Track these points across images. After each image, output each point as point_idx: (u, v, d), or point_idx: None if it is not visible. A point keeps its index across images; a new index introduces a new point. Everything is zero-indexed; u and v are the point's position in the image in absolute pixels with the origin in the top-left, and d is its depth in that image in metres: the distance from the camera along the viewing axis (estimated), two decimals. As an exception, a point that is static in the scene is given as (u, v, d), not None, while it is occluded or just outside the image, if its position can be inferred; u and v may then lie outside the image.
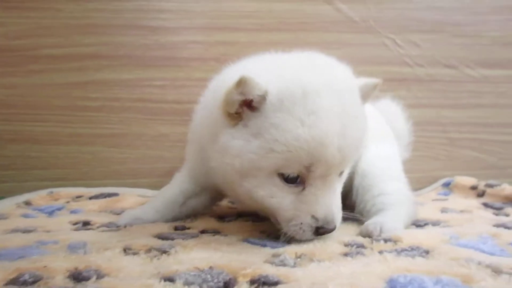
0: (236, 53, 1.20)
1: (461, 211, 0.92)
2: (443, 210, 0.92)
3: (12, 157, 1.19)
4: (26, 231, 0.68)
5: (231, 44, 1.22)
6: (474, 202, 1.02)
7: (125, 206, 0.98)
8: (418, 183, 1.26)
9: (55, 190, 1.09)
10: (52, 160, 1.20)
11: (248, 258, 0.51)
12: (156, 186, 1.18)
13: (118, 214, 0.90)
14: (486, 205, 1.00)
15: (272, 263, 0.50)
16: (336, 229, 0.61)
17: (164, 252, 0.54)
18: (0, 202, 0.95)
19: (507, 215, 0.89)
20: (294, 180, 0.59)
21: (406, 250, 0.55)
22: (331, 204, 0.61)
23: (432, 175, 1.26)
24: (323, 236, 0.61)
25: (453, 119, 1.27)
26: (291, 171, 0.58)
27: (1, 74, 1.18)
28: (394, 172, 0.83)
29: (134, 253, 0.53)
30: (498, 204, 0.99)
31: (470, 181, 1.15)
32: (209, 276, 0.43)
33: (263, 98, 0.57)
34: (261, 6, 1.23)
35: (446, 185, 1.20)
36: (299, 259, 0.52)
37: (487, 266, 0.47)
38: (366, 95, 0.67)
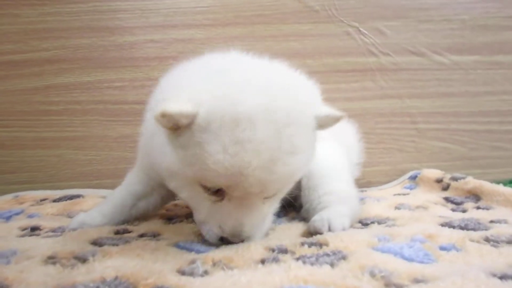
0: (194, 50, 1.22)
1: (417, 207, 0.88)
2: (397, 207, 0.89)
3: (-20, 162, 1.23)
4: None
5: (188, 41, 1.21)
6: (435, 197, 0.98)
7: (84, 209, 0.99)
8: (385, 176, 1.23)
9: (21, 194, 1.12)
10: (18, 164, 1.23)
11: (160, 267, 0.51)
12: (120, 187, 1.20)
13: (73, 217, 0.89)
14: (447, 199, 0.96)
15: (181, 272, 0.49)
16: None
17: (84, 260, 0.54)
18: (-35, 207, 0.99)
19: (464, 211, 0.85)
20: (214, 191, 0.59)
21: (327, 255, 0.53)
22: (242, 221, 0.59)
23: (399, 168, 1.22)
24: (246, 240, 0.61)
25: (421, 109, 1.22)
26: (212, 185, 0.57)
27: (-36, 82, 1.20)
28: (339, 172, 0.82)
29: (53, 263, 0.53)
30: (460, 198, 0.95)
31: (435, 173, 1.11)
32: (107, 287, 0.43)
33: (192, 120, 0.54)
34: (216, 0, 1.20)
35: (413, 178, 1.16)
36: (210, 267, 0.51)
37: (382, 277, 0.45)
38: (325, 125, 0.62)
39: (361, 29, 1.21)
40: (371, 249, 0.56)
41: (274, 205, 0.65)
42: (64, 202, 1.06)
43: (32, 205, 1.05)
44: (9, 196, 1.10)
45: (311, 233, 0.67)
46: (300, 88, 0.61)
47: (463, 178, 1.02)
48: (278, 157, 0.54)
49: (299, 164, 0.57)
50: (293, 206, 0.82)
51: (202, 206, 0.61)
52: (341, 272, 0.47)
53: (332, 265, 0.49)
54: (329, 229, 0.66)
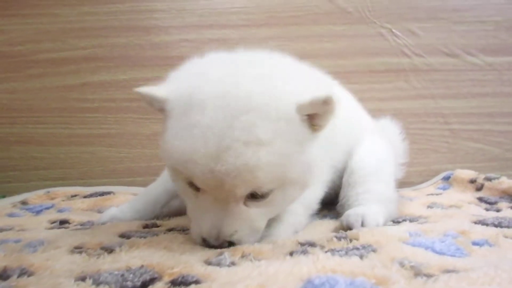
0: (228, 50, 1.23)
1: (450, 206, 0.88)
2: (430, 206, 0.88)
3: (16, 158, 1.24)
4: (1, 230, 0.70)
5: (222, 41, 1.22)
6: (469, 197, 0.98)
7: (114, 205, 0.99)
8: (419, 177, 1.22)
9: (52, 189, 1.13)
10: (53, 160, 1.24)
11: (187, 257, 0.49)
12: (152, 184, 1.21)
13: (103, 212, 0.92)
14: (481, 199, 0.95)
15: (208, 262, 0.48)
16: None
17: (111, 251, 0.53)
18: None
19: (498, 210, 0.84)
20: (193, 185, 0.55)
21: (356, 248, 0.52)
22: (219, 223, 0.53)
23: (433, 168, 1.21)
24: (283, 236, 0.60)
25: (454, 110, 1.22)
26: (182, 175, 0.55)
27: (3, 79, 1.23)
28: (382, 171, 0.79)
29: (80, 252, 0.53)
30: (493, 198, 0.94)
31: (469, 174, 1.10)
32: (131, 275, 0.42)
33: (162, 105, 0.56)
34: (250, 1, 1.22)
35: (446, 178, 1.15)
36: (239, 258, 0.50)
37: (412, 267, 0.44)
38: (319, 114, 0.54)
39: (394, 30, 1.22)
40: (401, 243, 0.55)
41: (267, 211, 0.57)
42: (95, 198, 1.06)
43: (63, 200, 1.06)
44: (41, 192, 1.10)
45: (343, 228, 0.66)
46: (279, 79, 0.55)
47: (497, 178, 1.01)
48: (228, 145, 0.49)
49: (261, 158, 0.49)
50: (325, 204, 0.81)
51: (188, 200, 0.58)
52: (370, 262, 0.46)
53: (361, 257, 0.49)
54: (362, 225, 0.66)
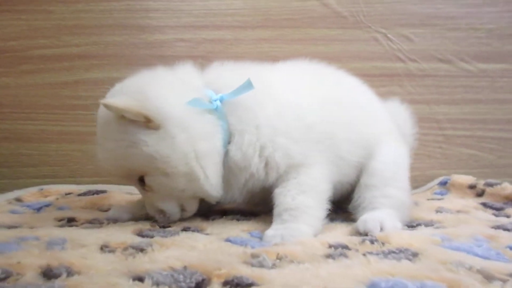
0: (223, 50, 1.23)
1: (458, 211, 0.87)
2: (438, 210, 0.88)
3: (5, 155, 1.22)
4: (11, 227, 0.69)
5: (217, 41, 1.22)
6: (472, 202, 0.97)
7: (112, 203, 0.98)
8: (413, 182, 1.17)
9: (45, 187, 1.11)
10: (43, 158, 1.22)
11: (225, 258, 0.50)
12: (143, 184, 1.19)
13: (104, 210, 0.90)
14: (485, 205, 0.94)
15: (249, 263, 0.48)
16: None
17: (141, 250, 0.53)
18: (-9, 199, 0.98)
19: (508, 216, 0.84)
20: None
21: (393, 252, 0.52)
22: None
23: (427, 173, 1.21)
24: (305, 236, 0.62)
25: (448, 116, 1.22)
26: None
27: (-5, 74, 1.22)
28: (400, 176, 0.80)
29: (110, 251, 0.52)
30: (498, 204, 0.94)
31: (468, 179, 1.09)
32: (181, 276, 0.42)
33: None
34: (246, 3, 1.22)
35: (443, 184, 1.15)
36: (278, 261, 0.50)
37: (478, 271, 0.44)
38: (123, 115, 0.67)
39: (388, 35, 1.23)
40: (439, 247, 0.54)
41: (157, 196, 0.71)
42: (91, 196, 1.05)
43: (58, 198, 1.04)
44: (34, 189, 1.08)
45: (360, 232, 0.66)
46: (121, 91, 0.73)
47: (499, 184, 1.01)
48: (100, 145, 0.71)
49: (103, 154, 0.71)
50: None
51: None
52: (424, 266, 0.45)
53: (409, 260, 0.49)
54: (381, 231, 0.66)
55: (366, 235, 0.64)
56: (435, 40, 1.22)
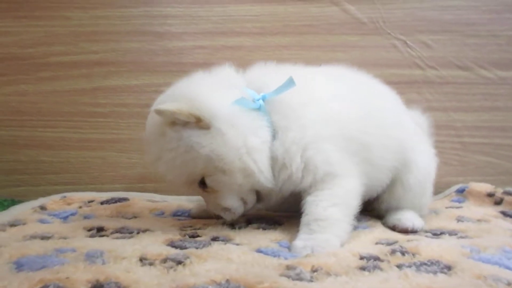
0: (242, 57, 1.23)
1: (478, 220, 0.88)
2: (459, 219, 0.89)
3: (25, 162, 1.23)
4: (43, 237, 0.70)
5: (236, 48, 1.22)
6: (491, 211, 0.98)
7: (135, 211, 0.99)
8: None
9: (68, 194, 1.11)
10: (63, 165, 1.23)
11: (263, 271, 0.51)
12: (163, 191, 1.20)
13: (129, 219, 0.92)
14: (505, 214, 0.95)
15: (288, 276, 0.49)
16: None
17: (180, 262, 0.54)
18: (17, 207, 0.99)
19: None
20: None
21: (425, 264, 0.53)
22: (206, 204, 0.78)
23: (444, 181, 1.22)
24: (334, 248, 0.64)
25: (466, 123, 1.23)
26: None
27: (14, 81, 1.21)
28: (429, 184, 0.89)
29: (150, 263, 0.53)
30: (517, 213, 0.95)
31: (486, 187, 1.10)
32: None
33: None
34: (265, 9, 1.21)
35: (460, 191, 1.16)
36: (315, 273, 0.50)
37: None
38: (173, 120, 0.70)
39: (407, 42, 1.22)
40: (471, 259, 0.55)
41: (218, 195, 0.74)
42: (114, 204, 1.06)
43: (81, 206, 1.05)
44: (57, 197, 1.09)
45: (393, 228, 0.80)
46: (168, 98, 0.75)
47: (518, 192, 1.02)
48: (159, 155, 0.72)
49: (162, 166, 0.73)
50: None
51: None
52: (464, 282, 0.46)
53: (445, 274, 0.49)
54: (412, 226, 0.79)
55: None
56: (454, 47, 1.22)
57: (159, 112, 0.68)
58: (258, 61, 1.22)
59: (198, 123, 0.69)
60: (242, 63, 1.24)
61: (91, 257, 0.55)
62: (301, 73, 0.78)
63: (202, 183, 0.73)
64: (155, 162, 0.73)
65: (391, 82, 1.22)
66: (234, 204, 0.75)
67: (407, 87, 1.22)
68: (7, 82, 1.22)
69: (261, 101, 0.74)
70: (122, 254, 0.56)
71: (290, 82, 0.72)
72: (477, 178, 1.19)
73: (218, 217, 0.80)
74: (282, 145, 0.72)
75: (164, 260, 0.54)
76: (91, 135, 1.23)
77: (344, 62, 1.22)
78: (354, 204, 0.73)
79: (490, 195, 1.06)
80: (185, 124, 0.69)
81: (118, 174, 1.24)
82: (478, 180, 1.17)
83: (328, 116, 0.74)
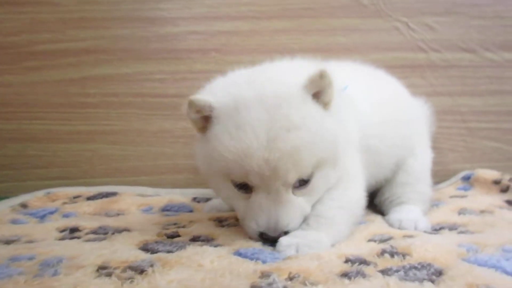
0: (238, 43, 1.17)
1: (481, 212, 0.85)
2: (461, 212, 0.85)
3: (11, 156, 1.17)
4: (8, 241, 0.65)
5: (232, 33, 1.17)
6: (496, 199, 0.94)
7: (121, 208, 0.94)
8: (435, 177, 1.15)
9: (52, 190, 1.05)
10: (51, 158, 1.17)
11: (232, 282, 0.46)
12: (158, 184, 1.15)
13: (111, 216, 0.87)
14: (510, 203, 0.92)
15: (258, 287, 0.45)
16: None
17: (141, 272, 0.49)
18: (-3, 205, 0.93)
19: None
20: (243, 187, 0.63)
21: (415, 268, 0.50)
22: (275, 214, 0.61)
23: (450, 168, 1.18)
24: (322, 249, 0.59)
25: (472, 108, 1.18)
26: (236, 178, 0.62)
27: (-2, 72, 1.15)
28: (428, 174, 0.90)
29: (108, 274, 0.48)
30: (524, 201, 0.91)
31: (492, 174, 1.06)
32: None
33: (211, 112, 0.63)
34: (263, -9, 1.16)
35: (466, 178, 1.12)
36: (290, 282, 0.46)
37: None
38: (320, 90, 0.62)
39: (410, 24, 1.18)
40: (464, 261, 0.52)
41: (310, 198, 0.64)
42: (100, 200, 1.00)
43: (66, 202, 0.99)
44: (40, 193, 1.03)
45: (393, 228, 0.75)
46: (286, 74, 0.66)
47: (525, 180, 0.98)
48: (275, 135, 0.58)
49: (300, 139, 0.59)
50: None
51: (238, 203, 0.65)
52: None
53: (432, 281, 0.46)
54: (415, 229, 0.73)
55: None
56: (459, 29, 1.17)
57: (322, 75, 0.61)
58: (254, 46, 1.19)
59: (327, 103, 0.64)
60: (238, 49, 1.20)
61: (45, 266, 0.51)
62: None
63: (302, 182, 0.62)
64: (292, 130, 0.59)
65: (393, 66, 1.18)
66: (298, 223, 0.64)
67: (410, 71, 1.18)
68: (-9, 72, 1.16)
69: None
70: (82, 262, 0.52)
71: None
72: (485, 164, 1.16)
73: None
74: None
75: (125, 269, 0.49)
76: (81, 126, 1.17)
77: (345, 47, 1.19)
78: (358, 213, 0.70)
79: (497, 182, 1.03)
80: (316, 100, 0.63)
81: (109, 167, 1.18)
82: (485, 166, 1.13)
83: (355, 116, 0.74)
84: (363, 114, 0.75)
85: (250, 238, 0.63)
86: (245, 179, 0.61)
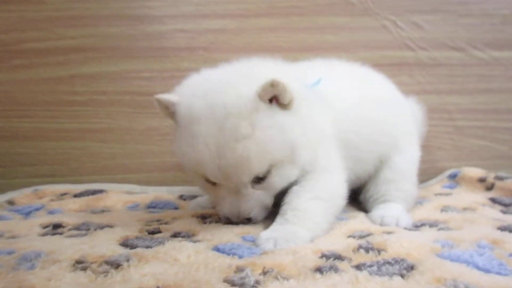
0: (225, 41, 1.18)
1: (464, 209, 0.85)
2: (444, 209, 0.85)
3: (0, 154, 1.17)
4: None
5: (219, 31, 1.17)
6: (480, 197, 0.95)
7: (107, 205, 0.95)
8: (423, 175, 1.16)
9: (41, 187, 1.06)
10: (40, 156, 1.18)
11: (205, 275, 0.47)
12: (146, 182, 1.15)
13: (96, 213, 0.87)
14: (494, 200, 0.92)
15: (229, 282, 0.45)
16: (256, 222, 0.69)
17: (117, 267, 0.49)
18: (-18, 203, 0.93)
19: None
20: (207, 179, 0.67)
21: (388, 263, 0.50)
22: (237, 205, 0.67)
23: (437, 166, 1.18)
24: (299, 245, 0.59)
25: (459, 106, 1.18)
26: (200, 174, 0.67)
27: (-15, 70, 1.15)
28: (414, 173, 0.89)
29: (83, 268, 0.49)
30: (507, 199, 0.91)
31: (478, 172, 1.07)
32: None
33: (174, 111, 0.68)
34: (250, -11, 1.16)
35: (453, 177, 1.12)
36: (262, 276, 0.47)
37: None
38: (276, 94, 0.64)
39: (398, 22, 1.18)
40: (437, 256, 0.52)
41: (270, 191, 0.68)
42: (87, 197, 1.01)
43: (53, 200, 1.00)
44: (28, 190, 1.04)
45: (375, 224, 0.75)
46: (238, 83, 0.66)
47: (510, 177, 0.98)
48: (224, 145, 0.61)
49: (248, 149, 0.61)
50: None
51: (209, 193, 0.72)
52: (418, 285, 0.43)
53: (402, 276, 0.47)
54: (396, 225, 0.74)
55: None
56: (446, 27, 1.17)
57: (273, 84, 0.62)
58: (242, 44, 1.19)
59: (287, 104, 0.65)
60: (226, 48, 1.20)
61: (23, 260, 0.51)
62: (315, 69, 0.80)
63: (259, 178, 0.66)
64: (240, 140, 0.61)
65: (381, 64, 1.18)
66: (260, 214, 0.70)
67: (398, 70, 1.18)
68: (-21, 71, 1.16)
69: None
70: (59, 256, 0.52)
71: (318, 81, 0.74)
72: (472, 162, 1.16)
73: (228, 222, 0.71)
74: None
75: (101, 264, 0.50)
76: (69, 124, 1.17)
77: (332, 45, 1.19)
78: (339, 203, 0.71)
79: (482, 180, 1.03)
80: (273, 104, 0.65)
81: (98, 165, 1.18)
82: (473, 165, 1.13)
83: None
84: (337, 109, 0.75)
85: (221, 219, 0.70)
86: (206, 178, 0.67)
